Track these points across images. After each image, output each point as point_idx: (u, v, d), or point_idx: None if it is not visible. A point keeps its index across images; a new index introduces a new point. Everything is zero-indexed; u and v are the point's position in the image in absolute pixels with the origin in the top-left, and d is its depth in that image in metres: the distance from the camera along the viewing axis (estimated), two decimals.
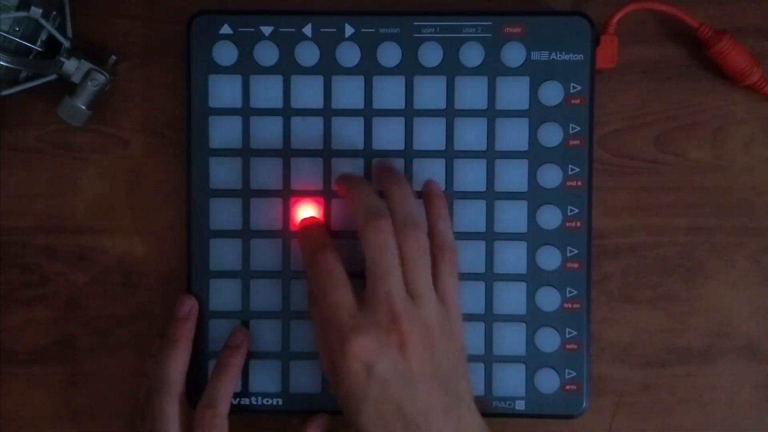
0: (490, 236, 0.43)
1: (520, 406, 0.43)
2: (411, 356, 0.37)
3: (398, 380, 0.37)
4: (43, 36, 0.42)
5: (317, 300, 0.39)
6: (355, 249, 0.39)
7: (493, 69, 0.43)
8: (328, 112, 0.43)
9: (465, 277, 0.43)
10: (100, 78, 0.43)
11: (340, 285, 0.38)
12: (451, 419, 0.38)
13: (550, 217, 0.43)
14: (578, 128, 0.43)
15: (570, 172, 0.43)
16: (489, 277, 0.43)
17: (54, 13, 0.42)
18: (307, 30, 0.43)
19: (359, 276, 0.39)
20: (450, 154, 0.43)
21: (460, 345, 0.40)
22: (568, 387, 0.43)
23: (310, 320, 0.43)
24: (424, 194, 0.42)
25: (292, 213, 0.43)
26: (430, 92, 0.43)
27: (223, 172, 0.43)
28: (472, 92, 0.43)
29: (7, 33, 0.41)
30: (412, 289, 0.38)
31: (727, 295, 0.45)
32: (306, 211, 0.43)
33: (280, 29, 0.43)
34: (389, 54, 0.43)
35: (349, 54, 0.43)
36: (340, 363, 0.37)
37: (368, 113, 0.43)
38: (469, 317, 0.43)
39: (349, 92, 0.43)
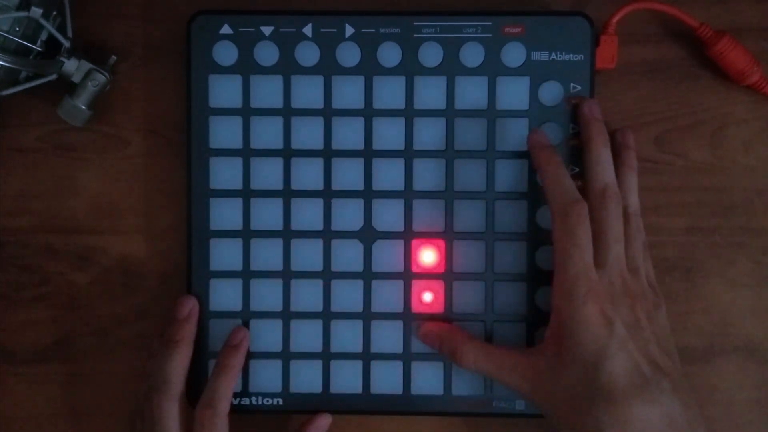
0: (490, 236, 0.43)
1: (520, 405, 0.43)
2: (641, 317, 0.39)
3: (635, 337, 0.38)
4: (44, 36, 0.42)
5: (564, 250, 0.39)
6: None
7: (493, 69, 0.43)
8: (328, 112, 0.43)
9: (465, 276, 0.43)
10: (101, 78, 0.43)
11: (587, 243, 0.39)
12: (683, 384, 0.38)
13: (550, 218, 0.43)
14: (578, 128, 0.43)
15: (570, 172, 0.43)
16: (489, 276, 0.43)
17: (54, 13, 0.42)
18: (308, 30, 0.43)
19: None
20: (450, 155, 0.43)
21: (665, 316, 0.41)
22: None
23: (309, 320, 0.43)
24: (618, 144, 0.43)
25: (293, 213, 0.43)
26: (431, 92, 0.43)
27: (223, 172, 0.43)
28: (472, 92, 0.43)
29: (8, 33, 0.41)
30: (630, 263, 0.40)
31: (727, 295, 0.45)
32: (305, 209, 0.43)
33: (281, 29, 0.43)
34: (389, 54, 0.43)
35: (349, 54, 0.43)
36: (579, 316, 0.38)
37: (368, 113, 0.43)
38: (469, 317, 0.43)
39: (349, 92, 0.43)
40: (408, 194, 0.43)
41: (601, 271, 0.39)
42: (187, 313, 0.43)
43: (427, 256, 0.44)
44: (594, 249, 0.39)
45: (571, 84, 0.43)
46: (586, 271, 0.38)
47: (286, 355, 0.44)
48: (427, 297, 0.44)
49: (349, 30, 0.43)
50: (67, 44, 0.43)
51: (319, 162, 0.43)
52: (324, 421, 0.44)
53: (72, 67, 0.43)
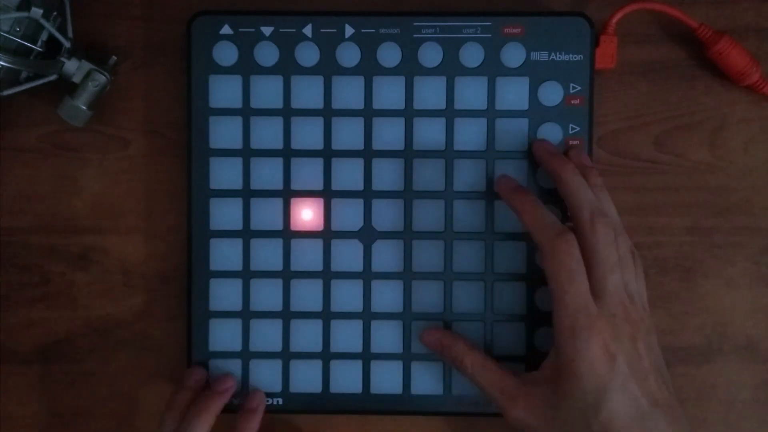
0: (489, 236, 0.43)
1: None
2: (640, 348, 0.38)
3: (635, 371, 0.37)
4: (44, 36, 0.42)
5: (558, 286, 0.38)
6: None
7: (492, 69, 0.43)
8: (328, 113, 0.43)
9: (465, 276, 0.43)
10: (101, 78, 0.43)
11: (581, 277, 0.38)
12: (676, 413, 0.38)
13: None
14: (578, 128, 0.43)
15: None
16: (488, 276, 0.43)
17: (55, 13, 0.42)
18: (308, 30, 0.43)
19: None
20: (450, 155, 0.43)
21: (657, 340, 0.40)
22: None
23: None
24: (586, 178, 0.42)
25: (292, 213, 0.43)
26: (430, 92, 0.43)
27: (223, 172, 0.43)
28: (472, 92, 0.43)
29: (8, 33, 0.41)
30: (627, 287, 0.39)
31: (726, 295, 0.45)
32: (305, 212, 0.43)
33: (281, 29, 0.43)
34: (389, 54, 0.43)
35: (349, 54, 0.43)
36: (581, 352, 0.37)
37: (368, 113, 0.43)
38: (469, 317, 0.43)
39: (349, 92, 0.43)
40: (408, 194, 0.43)
41: (600, 302, 0.38)
42: (194, 383, 0.43)
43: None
44: (590, 278, 0.38)
45: (571, 84, 0.43)
46: (585, 305, 0.38)
47: (286, 355, 0.44)
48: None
49: (349, 30, 0.43)
50: (67, 44, 0.43)
51: (319, 162, 0.43)
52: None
53: (72, 67, 0.43)
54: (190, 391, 0.42)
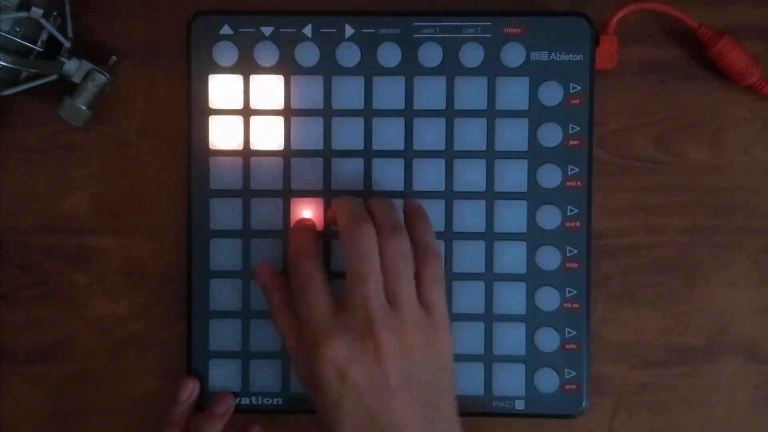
0: (489, 236, 0.43)
1: (519, 405, 0.43)
2: (387, 365, 0.36)
3: (373, 389, 0.36)
4: (44, 36, 0.42)
5: (296, 303, 0.39)
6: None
7: (492, 69, 0.43)
8: (328, 113, 0.43)
9: (465, 276, 0.43)
10: (101, 78, 0.43)
11: (318, 289, 0.38)
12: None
13: (549, 217, 0.43)
14: (578, 128, 0.43)
15: (569, 172, 0.43)
16: (489, 277, 0.43)
17: (54, 13, 0.42)
18: (307, 30, 0.43)
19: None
20: (450, 155, 0.43)
21: (446, 356, 0.38)
22: (567, 387, 0.43)
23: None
24: (405, 212, 0.41)
25: (292, 213, 0.43)
26: (430, 92, 0.43)
27: (223, 173, 0.43)
28: (471, 92, 0.43)
29: (8, 33, 0.41)
30: (393, 297, 0.37)
31: (726, 295, 0.45)
32: (305, 212, 0.43)
33: (280, 29, 0.43)
34: (389, 54, 0.43)
35: (349, 54, 0.43)
36: (314, 368, 0.37)
37: (368, 113, 0.43)
38: (469, 317, 0.43)
39: (349, 93, 0.43)
40: (408, 194, 0.43)
41: (342, 313, 0.38)
42: (187, 396, 0.43)
43: None
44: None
45: (571, 84, 0.43)
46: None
47: (286, 355, 0.44)
48: None
49: (349, 30, 0.43)
50: (67, 44, 0.43)
51: (319, 162, 0.43)
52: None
53: (72, 67, 0.43)
54: (184, 405, 0.43)
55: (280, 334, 0.40)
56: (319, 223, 0.43)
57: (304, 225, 0.42)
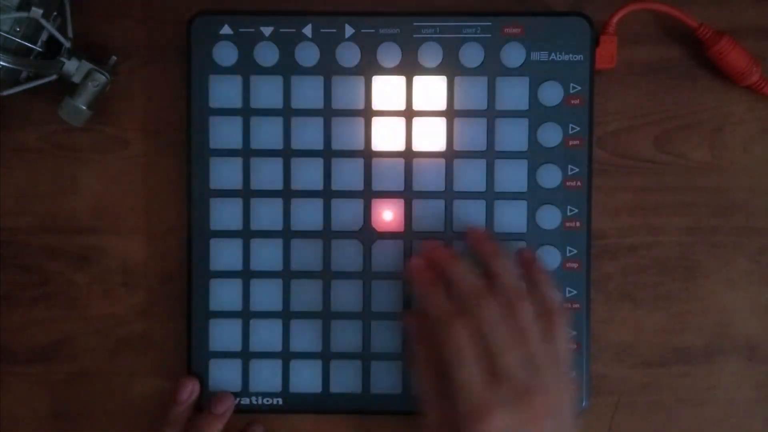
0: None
1: None
2: (544, 428, 0.37)
3: None
4: (44, 36, 0.42)
5: (447, 370, 0.37)
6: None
7: (492, 69, 0.43)
8: (328, 113, 0.43)
9: None
10: (101, 78, 0.43)
11: (473, 362, 0.37)
12: None
13: (549, 217, 0.43)
14: (578, 128, 0.43)
15: (569, 173, 0.43)
16: None
17: (54, 13, 0.42)
18: (307, 30, 0.43)
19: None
20: (450, 155, 0.43)
21: (569, 405, 0.39)
22: None
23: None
24: (521, 263, 0.41)
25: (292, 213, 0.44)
26: (430, 92, 0.43)
27: (223, 172, 0.43)
28: (472, 92, 0.43)
29: (8, 33, 0.41)
30: (532, 360, 0.37)
31: (726, 295, 0.45)
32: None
33: (280, 29, 0.43)
34: (389, 54, 0.43)
35: (349, 54, 0.43)
36: None
37: (368, 113, 0.43)
38: None
39: (349, 92, 0.43)
40: (408, 195, 0.43)
41: (495, 384, 0.37)
42: (187, 396, 0.43)
43: None
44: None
45: (571, 84, 0.43)
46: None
47: (286, 355, 0.44)
48: None
49: (349, 30, 0.43)
50: (67, 44, 0.43)
51: (318, 162, 0.43)
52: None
53: (72, 67, 0.43)
54: (183, 406, 0.43)
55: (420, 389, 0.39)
56: (318, 224, 0.43)
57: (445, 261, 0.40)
